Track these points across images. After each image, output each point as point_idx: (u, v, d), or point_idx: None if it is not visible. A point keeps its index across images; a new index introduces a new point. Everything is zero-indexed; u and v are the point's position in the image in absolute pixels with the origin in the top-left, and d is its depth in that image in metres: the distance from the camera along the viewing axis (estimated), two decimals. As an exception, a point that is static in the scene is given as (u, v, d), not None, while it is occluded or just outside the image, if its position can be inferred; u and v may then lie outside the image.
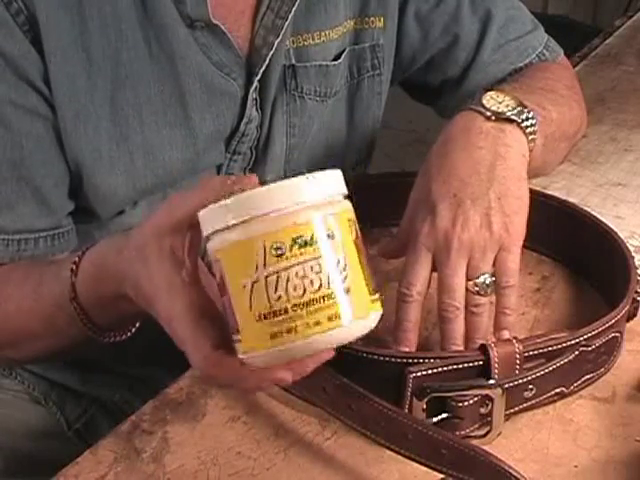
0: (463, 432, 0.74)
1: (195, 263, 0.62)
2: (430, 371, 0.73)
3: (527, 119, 0.86)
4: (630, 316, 0.83)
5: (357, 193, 0.90)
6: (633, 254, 0.86)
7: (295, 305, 0.54)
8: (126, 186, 0.88)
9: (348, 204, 0.58)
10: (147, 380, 0.84)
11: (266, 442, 0.75)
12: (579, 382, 0.78)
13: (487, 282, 0.79)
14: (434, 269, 0.81)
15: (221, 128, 0.92)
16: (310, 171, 1.01)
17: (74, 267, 0.75)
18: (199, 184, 0.62)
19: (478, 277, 0.79)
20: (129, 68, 0.85)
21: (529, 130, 0.86)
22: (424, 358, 0.74)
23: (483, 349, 0.74)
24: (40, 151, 0.84)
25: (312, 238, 0.55)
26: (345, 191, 0.58)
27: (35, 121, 0.83)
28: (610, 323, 0.78)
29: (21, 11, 0.79)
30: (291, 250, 0.55)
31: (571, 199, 0.96)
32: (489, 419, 0.74)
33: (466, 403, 0.73)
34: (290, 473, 0.73)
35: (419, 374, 0.73)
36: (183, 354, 0.62)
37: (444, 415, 0.74)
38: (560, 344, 0.76)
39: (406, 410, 0.74)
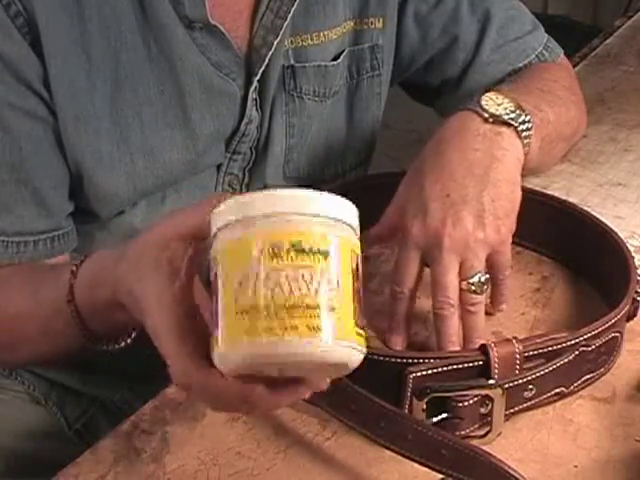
0: (463, 432, 0.74)
1: (190, 277, 0.61)
2: (430, 371, 0.73)
3: (524, 122, 0.86)
4: (630, 316, 0.83)
5: (357, 193, 0.91)
6: (633, 254, 0.86)
7: (278, 306, 0.54)
8: (127, 187, 0.88)
9: (355, 239, 0.58)
10: (147, 380, 0.84)
11: (266, 442, 0.75)
12: (579, 382, 0.78)
13: (482, 280, 0.80)
14: (426, 265, 0.81)
15: (221, 128, 0.92)
16: (311, 174, 1.02)
17: (74, 269, 0.76)
18: (202, 199, 0.62)
19: (473, 276, 0.79)
20: (128, 69, 0.85)
21: (525, 134, 0.86)
22: (424, 358, 0.74)
23: (483, 349, 0.74)
24: (39, 153, 0.84)
25: (310, 248, 0.55)
26: (356, 228, 0.58)
27: (34, 123, 0.83)
28: (610, 323, 0.78)
29: (20, 13, 0.79)
30: (288, 253, 0.54)
31: (571, 199, 0.96)
32: (489, 419, 0.74)
33: (466, 403, 0.73)
34: (290, 473, 0.73)
35: (419, 374, 0.73)
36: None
37: (444, 415, 0.74)
38: (560, 344, 0.76)
39: (406, 410, 0.74)
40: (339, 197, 0.57)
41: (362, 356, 0.57)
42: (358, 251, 0.58)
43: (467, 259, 0.80)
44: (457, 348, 0.79)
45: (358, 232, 0.58)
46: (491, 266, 0.81)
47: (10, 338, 0.84)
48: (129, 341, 0.79)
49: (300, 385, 0.59)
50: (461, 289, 0.80)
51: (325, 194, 0.57)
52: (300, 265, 0.54)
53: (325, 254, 0.55)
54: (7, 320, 0.83)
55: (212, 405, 0.64)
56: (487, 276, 0.81)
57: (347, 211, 0.57)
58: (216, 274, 0.57)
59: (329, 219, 0.56)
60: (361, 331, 0.57)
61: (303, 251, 0.55)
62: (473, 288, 0.79)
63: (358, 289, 0.57)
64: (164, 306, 0.61)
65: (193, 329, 0.60)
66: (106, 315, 0.73)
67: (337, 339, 0.55)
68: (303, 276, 0.54)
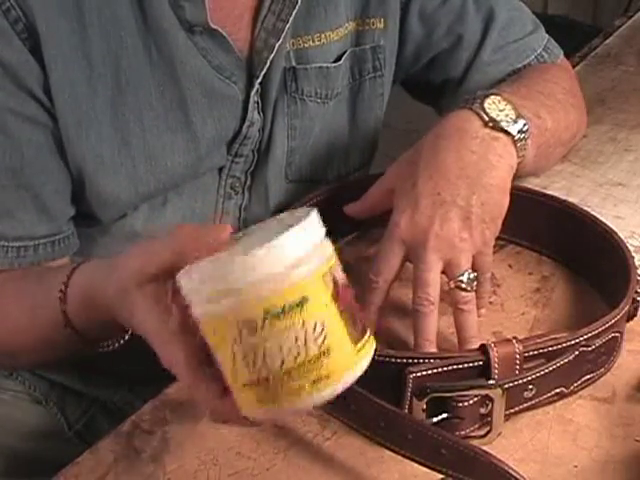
0: (463, 432, 0.74)
1: (183, 309, 0.60)
2: (430, 371, 0.73)
3: (521, 132, 0.87)
4: (630, 316, 0.83)
5: (358, 193, 0.91)
6: (633, 254, 0.86)
7: (276, 375, 0.55)
8: (128, 191, 0.88)
9: (325, 253, 0.57)
10: (147, 380, 0.84)
11: (266, 442, 0.75)
12: (579, 382, 0.78)
13: (471, 277, 0.81)
14: (408, 260, 0.82)
15: (223, 131, 0.92)
16: (313, 176, 1.02)
17: (62, 295, 0.76)
18: (170, 233, 0.63)
19: (462, 274, 0.80)
20: (129, 74, 0.85)
21: (520, 145, 0.87)
22: (424, 358, 0.74)
23: (483, 349, 0.74)
24: (40, 159, 0.84)
25: (283, 309, 0.54)
26: (322, 237, 0.57)
27: (34, 129, 0.83)
28: (610, 323, 0.78)
29: (20, 19, 0.79)
30: (263, 324, 0.54)
31: (571, 199, 0.96)
32: (489, 419, 0.74)
33: (466, 403, 0.73)
34: (290, 473, 0.73)
35: (419, 374, 0.73)
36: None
37: (444, 415, 0.74)
38: (560, 344, 0.76)
39: (406, 410, 0.74)
40: (296, 225, 0.55)
41: (370, 358, 0.58)
42: (332, 262, 0.57)
43: (453, 258, 0.81)
44: (433, 349, 0.80)
45: (324, 239, 0.57)
46: (476, 267, 0.82)
47: (10, 348, 0.84)
48: (126, 337, 0.79)
49: None
50: (450, 289, 0.81)
51: (282, 236, 0.55)
52: (280, 329, 0.54)
53: (300, 304, 0.54)
54: (6, 333, 0.84)
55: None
56: (475, 274, 0.81)
57: (308, 234, 0.56)
58: (206, 341, 0.57)
59: (293, 262, 0.55)
60: (363, 342, 0.57)
61: (278, 315, 0.54)
62: (463, 285, 0.80)
63: (346, 304, 0.56)
64: (169, 344, 0.61)
65: (203, 358, 0.60)
66: (106, 328, 0.75)
67: (344, 374, 0.56)
68: (288, 338, 0.54)
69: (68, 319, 0.76)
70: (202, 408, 0.62)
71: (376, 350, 0.76)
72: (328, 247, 0.58)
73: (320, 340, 0.55)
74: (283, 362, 0.54)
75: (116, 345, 0.80)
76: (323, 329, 0.55)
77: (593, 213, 0.92)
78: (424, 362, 0.74)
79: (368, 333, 0.58)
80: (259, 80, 0.91)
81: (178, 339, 0.61)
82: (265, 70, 0.91)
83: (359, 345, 0.57)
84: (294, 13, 0.90)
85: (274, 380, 0.55)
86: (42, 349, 0.82)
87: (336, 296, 0.56)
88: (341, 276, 0.57)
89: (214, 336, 0.57)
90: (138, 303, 0.63)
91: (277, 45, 0.90)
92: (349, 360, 0.56)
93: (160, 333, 0.62)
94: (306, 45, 0.95)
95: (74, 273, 0.76)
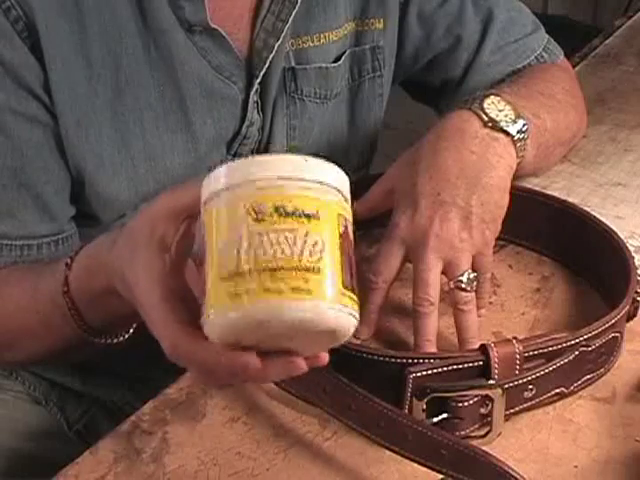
0: (463, 432, 0.74)
1: (181, 253, 0.61)
2: (430, 371, 0.73)
3: (520, 132, 0.87)
4: (630, 316, 0.83)
5: (358, 193, 0.91)
6: (633, 254, 0.86)
7: (261, 269, 0.53)
8: (128, 191, 0.88)
9: (345, 204, 0.57)
10: (147, 380, 0.84)
11: (266, 442, 0.75)
12: (579, 382, 0.78)
13: (470, 277, 0.81)
14: (408, 260, 0.82)
15: (222, 132, 0.92)
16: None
17: (69, 261, 0.76)
18: (194, 178, 0.62)
19: (462, 274, 0.80)
20: (129, 74, 0.85)
21: (519, 145, 0.88)
22: (424, 358, 0.74)
23: (483, 349, 0.74)
24: (40, 158, 0.84)
25: (294, 211, 0.54)
26: (345, 193, 0.58)
27: (35, 128, 0.83)
28: (610, 323, 0.78)
29: (20, 18, 0.79)
30: (271, 216, 0.54)
31: (571, 199, 0.96)
32: (489, 419, 0.74)
33: (466, 403, 0.73)
34: (290, 473, 0.73)
35: (419, 374, 0.73)
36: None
37: (444, 415, 0.74)
38: (560, 344, 0.76)
39: (406, 410, 0.74)
40: (327, 162, 0.57)
41: (353, 320, 0.56)
42: (348, 216, 0.57)
43: (453, 258, 0.81)
44: (433, 349, 0.80)
45: (348, 197, 0.58)
46: (475, 267, 0.82)
47: (10, 335, 0.84)
48: (127, 336, 0.79)
49: (294, 355, 0.58)
50: (450, 289, 0.81)
51: (311, 158, 0.56)
52: (283, 228, 0.54)
53: (309, 216, 0.54)
54: (7, 317, 0.83)
55: (203, 377, 0.62)
56: (475, 274, 0.81)
57: (335, 176, 0.57)
58: (203, 242, 0.56)
59: (315, 183, 0.56)
60: (351, 294, 0.56)
61: (286, 214, 0.54)
62: (463, 285, 0.80)
63: (347, 253, 0.56)
64: (154, 279, 0.61)
65: (183, 303, 0.60)
66: (102, 304, 0.73)
67: (323, 301, 0.54)
68: (287, 239, 0.54)
69: (68, 287, 0.75)
70: (166, 348, 0.59)
71: (376, 350, 0.76)
72: (348, 205, 0.58)
73: (315, 257, 0.54)
74: (272, 258, 0.53)
75: (113, 341, 0.80)
76: (322, 250, 0.54)
77: (593, 213, 0.92)
78: (424, 362, 0.74)
79: (355, 295, 0.56)
80: (259, 80, 0.91)
81: (165, 277, 0.60)
82: (264, 70, 0.91)
83: (346, 291, 0.55)
84: (294, 13, 0.90)
85: (255, 274, 0.53)
86: (41, 333, 0.81)
87: (344, 239, 0.56)
88: (351, 237, 0.57)
89: (215, 228, 0.56)
90: (143, 239, 0.62)
91: (277, 45, 0.90)
92: (333, 294, 0.54)
93: (152, 268, 0.61)
94: (305, 45, 0.95)
95: (85, 246, 0.76)
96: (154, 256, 0.61)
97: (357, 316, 0.56)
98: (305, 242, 0.54)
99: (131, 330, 0.79)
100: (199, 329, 0.57)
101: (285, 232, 0.54)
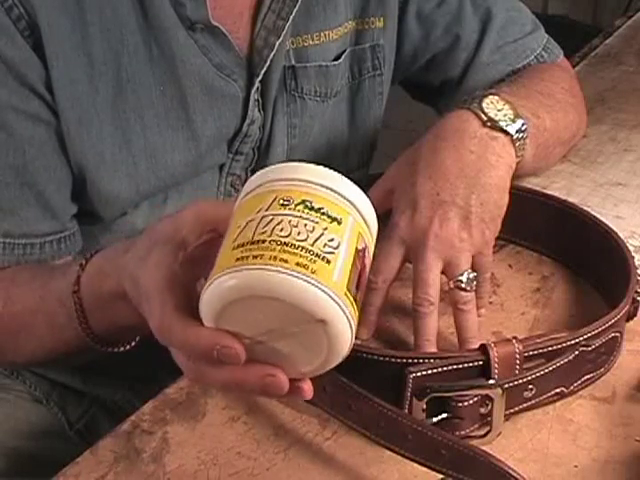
0: (463, 432, 0.74)
1: (197, 255, 0.61)
2: (430, 371, 0.73)
3: (519, 131, 0.88)
4: (630, 316, 0.83)
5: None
6: (633, 254, 0.86)
7: (273, 240, 0.54)
8: (129, 189, 0.89)
9: (369, 234, 0.58)
10: (148, 380, 0.84)
11: (266, 442, 0.75)
12: (579, 382, 0.78)
13: (470, 277, 0.81)
14: (408, 260, 0.82)
15: (223, 129, 0.92)
16: None
17: (83, 262, 0.76)
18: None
19: (462, 274, 0.80)
20: (130, 72, 0.85)
21: (519, 144, 0.88)
22: (424, 358, 0.74)
23: (483, 349, 0.74)
24: (42, 156, 0.84)
25: (320, 208, 0.56)
26: (373, 228, 0.59)
27: (37, 126, 0.83)
28: (610, 323, 0.78)
29: (22, 16, 0.79)
30: (296, 206, 0.55)
31: (571, 199, 0.96)
32: (489, 419, 0.74)
33: (466, 403, 0.73)
34: (290, 473, 0.73)
35: (419, 374, 0.73)
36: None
37: (444, 415, 0.74)
38: (560, 344, 0.76)
39: (406, 410, 0.74)
40: (362, 193, 0.58)
41: (348, 325, 0.55)
42: (369, 243, 0.58)
43: (453, 258, 0.81)
44: (433, 349, 0.80)
45: (374, 233, 0.59)
46: (475, 267, 0.82)
47: (14, 335, 0.83)
48: (128, 347, 0.79)
49: (277, 365, 0.57)
50: (450, 289, 0.81)
51: (349, 181, 0.58)
52: (306, 217, 0.55)
53: (332, 218, 0.56)
54: (12, 317, 0.83)
55: (187, 367, 0.60)
56: (475, 274, 0.81)
57: (366, 205, 0.58)
58: (227, 229, 0.57)
59: (346, 200, 0.57)
60: (353, 301, 0.55)
61: (312, 208, 0.55)
62: (462, 285, 0.81)
63: (359, 270, 0.56)
64: (161, 269, 0.61)
65: (186, 295, 0.59)
66: (109, 309, 0.73)
67: (324, 283, 0.54)
68: (306, 226, 0.55)
69: (78, 286, 0.75)
70: (153, 322, 0.59)
71: (376, 350, 0.76)
72: (372, 239, 0.59)
73: (328, 249, 0.55)
74: (287, 235, 0.54)
75: (115, 350, 0.80)
76: (337, 247, 0.55)
77: (593, 213, 0.92)
78: (424, 362, 0.74)
79: (357, 311, 0.56)
80: (259, 78, 0.91)
81: (172, 265, 0.60)
82: (265, 68, 0.91)
83: (349, 295, 0.55)
84: (294, 12, 0.90)
85: (267, 244, 0.54)
86: (43, 335, 0.81)
87: (357, 255, 0.56)
88: (366, 262, 0.58)
89: (241, 212, 0.57)
90: (161, 241, 0.62)
91: (277, 43, 0.90)
92: (336, 284, 0.54)
93: (165, 258, 0.61)
94: (306, 44, 0.95)
95: (101, 249, 0.76)
96: (169, 252, 0.61)
97: (353, 324, 0.56)
98: (322, 234, 0.55)
99: (133, 343, 0.79)
100: (194, 318, 0.57)
101: (306, 221, 0.55)
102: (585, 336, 0.77)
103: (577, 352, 0.76)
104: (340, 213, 0.56)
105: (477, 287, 0.82)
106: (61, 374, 1.05)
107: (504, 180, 0.85)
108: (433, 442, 0.69)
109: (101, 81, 0.84)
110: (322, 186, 0.57)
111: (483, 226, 0.83)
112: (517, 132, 0.87)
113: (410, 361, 0.74)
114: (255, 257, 0.54)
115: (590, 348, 0.77)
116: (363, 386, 0.72)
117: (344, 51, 0.98)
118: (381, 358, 0.75)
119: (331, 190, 0.57)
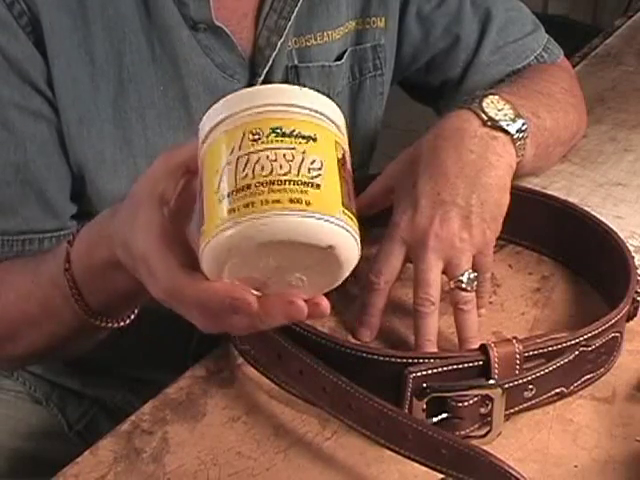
0: (463, 432, 0.74)
1: (181, 205, 0.61)
2: (430, 371, 0.73)
3: (520, 131, 0.87)
4: (630, 316, 0.83)
5: (356, 193, 0.91)
6: (633, 254, 0.86)
7: (259, 183, 0.53)
8: (129, 189, 0.88)
9: (342, 136, 0.57)
10: (147, 381, 0.84)
11: (266, 442, 0.75)
12: (579, 382, 0.78)
13: (471, 277, 0.81)
14: (409, 260, 0.82)
15: None
16: None
17: (71, 239, 0.75)
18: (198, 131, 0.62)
19: (462, 274, 0.81)
20: (132, 71, 0.85)
21: (519, 144, 0.88)
22: (424, 358, 0.74)
23: (483, 349, 0.74)
24: (44, 154, 0.84)
25: (292, 132, 0.54)
26: (342, 128, 0.58)
27: (39, 124, 0.83)
28: (610, 323, 0.78)
29: (24, 13, 0.79)
30: (268, 137, 0.54)
31: (571, 199, 0.96)
32: (489, 419, 0.74)
33: (466, 403, 0.73)
34: (290, 473, 0.73)
35: (419, 374, 0.73)
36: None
37: (444, 415, 0.74)
38: (560, 344, 0.76)
39: (406, 410, 0.74)
40: (323, 96, 0.57)
41: (352, 240, 0.55)
42: (345, 147, 0.57)
43: (453, 258, 0.81)
44: (434, 349, 0.80)
45: (345, 133, 0.58)
46: (476, 267, 0.82)
47: (10, 324, 0.83)
48: (128, 321, 0.78)
49: (293, 291, 0.57)
50: (451, 289, 0.81)
51: (308, 90, 0.57)
52: (281, 147, 0.54)
53: (307, 138, 0.55)
54: (8, 306, 0.82)
55: (203, 320, 0.60)
56: (475, 274, 0.81)
57: (332, 109, 0.57)
58: (201, 175, 0.56)
59: (312, 111, 0.56)
60: (351, 215, 0.55)
61: (284, 134, 0.54)
62: (463, 285, 0.80)
63: (346, 179, 0.56)
64: (153, 230, 0.60)
65: (183, 249, 0.59)
66: (103, 280, 0.72)
67: (322, 212, 0.53)
68: (285, 156, 0.54)
69: (69, 263, 0.74)
70: (165, 288, 0.59)
71: (376, 350, 0.76)
72: (345, 139, 0.58)
73: (314, 173, 0.54)
74: (270, 173, 0.53)
75: (115, 325, 0.79)
76: (320, 168, 0.54)
77: (593, 213, 0.91)
78: (424, 362, 0.74)
79: (354, 216, 0.56)
80: (262, 78, 0.91)
81: (162, 224, 0.60)
82: (267, 68, 0.91)
83: (346, 210, 0.55)
84: (296, 11, 0.90)
85: (253, 188, 0.53)
86: (41, 319, 0.80)
87: (340, 165, 0.56)
88: (349, 167, 0.57)
89: (213, 158, 0.56)
90: (144, 201, 0.62)
91: (279, 43, 0.90)
92: (332, 207, 0.54)
93: (151, 221, 0.61)
94: (308, 44, 0.95)
95: (88, 222, 0.76)
96: (154, 211, 0.61)
97: (357, 237, 0.56)
98: (303, 160, 0.54)
99: (132, 317, 0.78)
100: (199, 272, 0.57)
101: (283, 150, 0.54)
102: (585, 336, 0.77)
103: (577, 352, 0.76)
104: (312, 129, 0.55)
105: (477, 287, 0.82)
106: (60, 375, 1.05)
107: (504, 180, 0.85)
108: (433, 442, 0.69)
109: (102, 80, 0.84)
110: (285, 105, 0.55)
111: (484, 226, 0.83)
112: (517, 132, 0.87)
113: (410, 361, 0.74)
114: (246, 205, 0.53)
115: (590, 348, 0.77)
116: (363, 386, 0.72)
117: (345, 51, 0.98)
118: (381, 358, 0.75)
119: (296, 107, 0.55)
